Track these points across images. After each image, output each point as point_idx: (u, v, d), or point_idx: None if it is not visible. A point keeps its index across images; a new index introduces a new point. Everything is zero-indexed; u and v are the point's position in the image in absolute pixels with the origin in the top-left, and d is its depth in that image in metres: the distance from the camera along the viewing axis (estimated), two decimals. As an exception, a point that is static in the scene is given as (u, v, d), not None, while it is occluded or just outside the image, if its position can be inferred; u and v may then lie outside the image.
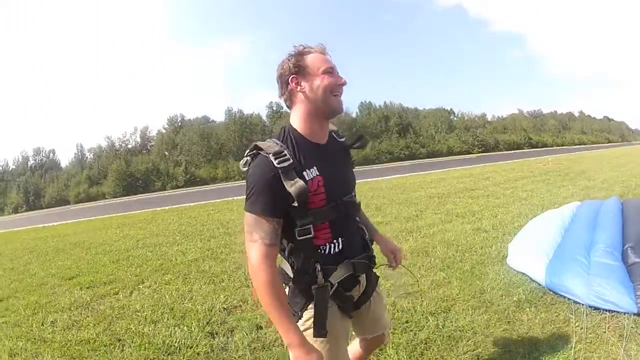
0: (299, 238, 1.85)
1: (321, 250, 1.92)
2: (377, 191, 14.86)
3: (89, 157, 70.70)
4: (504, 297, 4.39)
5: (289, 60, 1.92)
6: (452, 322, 3.92)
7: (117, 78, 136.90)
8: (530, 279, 4.74)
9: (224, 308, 4.81)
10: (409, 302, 4.37)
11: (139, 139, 71.09)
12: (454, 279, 5.00)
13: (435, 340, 3.62)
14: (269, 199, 1.76)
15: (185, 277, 6.30)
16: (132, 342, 4.22)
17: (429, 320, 3.96)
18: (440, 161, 43.16)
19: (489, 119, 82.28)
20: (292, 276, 1.95)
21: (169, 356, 3.86)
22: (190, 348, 3.92)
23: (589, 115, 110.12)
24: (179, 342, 4.05)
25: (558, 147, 67.56)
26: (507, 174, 18.01)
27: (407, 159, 57.26)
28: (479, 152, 62.40)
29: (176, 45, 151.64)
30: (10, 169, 73.90)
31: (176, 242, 9.32)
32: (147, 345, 4.10)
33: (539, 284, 4.57)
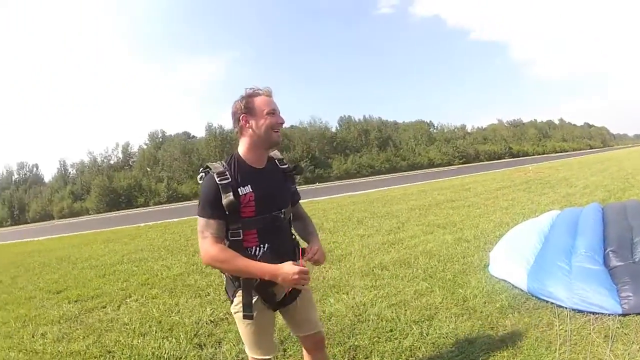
0: (230, 239, 2.36)
1: (249, 251, 2.37)
2: (359, 205, 14.93)
3: (71, 172, 70.18)
4: (486, 304, 4.44)
5: (240, 101, 2.43)
6: (435, 329, 3.96)
7: (98, 94, 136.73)
8: (513, 285, 4.79)
9: (211, 320, 4.82)
10: (392, 312, 4.43)
11: (120, 155, 70.83)
12: (436, 288, 5.04)
13: (419, 348, 3.67)
14: (213, 207, 2.29)
15: (172, 291, 6.31)
16: (122, 353, 4.25)
17: (413, 328, 4.01)
18: (421, 174, 43.14)
19: (469, 130, 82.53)
20: None
21: (158, 367, 3.87)
22: (179, 359, 3.96)
23: (569, 123, 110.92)
24: (167, 353, 4.08)
25: (539, 156, 67.77)
26: (488, 184, 18.18)
27: (387, 172, 57.28)
28: (459, 164, 62.58)
29: (156, 62, 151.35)
30: (-5, 182, 73.16)
31: (161, 257, 9.31)
32: (136, 356, 4.13)
33: (522, 290, 4.62)
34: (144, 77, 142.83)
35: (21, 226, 53.47)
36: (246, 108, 2.40)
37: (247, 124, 2.41)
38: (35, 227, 43.73)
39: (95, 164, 67.68)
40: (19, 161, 76.10)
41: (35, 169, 74.48)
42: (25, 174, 73.31)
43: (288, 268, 2.25)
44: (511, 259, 5.21)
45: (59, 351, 4.55)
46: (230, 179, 2.31)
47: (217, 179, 2.29)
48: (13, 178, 72.62)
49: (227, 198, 2.26)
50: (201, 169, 2.44)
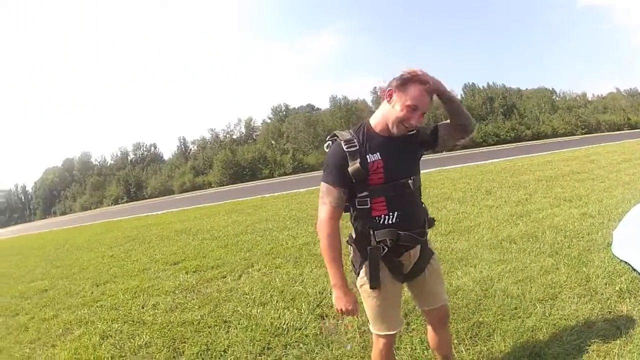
0: (358, 207, 2.39)
1: (377, 220, 2.39)
2: (487, 174, 14.51)
3: (192, 148, 73.28)
4: (607, 285, 4.26)
5: (400, 77, 2.32)
6: (558, 310, 3.85)
7: (215, 74, 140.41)
8: (633, 268, 4.58)
9: (336, 291, 4.88)
10: (518, 288, 4.34)
11: (243, 130, 72.94)
12: (562, 265, 4.87)
13: (541, 329, 3.59)
14: (338, 173, 2.33)
15: (296, 260, 6.41)
16: (239, 323, 4.40)
17: (537, 307, 3.92)
18: (545, 143, 41.46)
19: (590, 98, 77.90)
20: (354, 237, 2.49)
21: (276, 337, 3.99)
22: (299, 330, 4.04)
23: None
24: (287, 324, 4.18)
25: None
26: (610, 156, 16.98)
27: (513, 141, 55.41)
28: (582, 133, 59.50)
29: (273, 37, 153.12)
30: (109, 164, 78.02)
31: (287, 227, 9.45)
32: (254, 326, 4.25)
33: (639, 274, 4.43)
34: (262, 54, 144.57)
35: (138, 202, 56.25)
36: (399, 86, 2.31)
37: (389, 99, 2.36)
38: (154, 202, 45.72)
39: (217, 140, 70.04)
40: (135, 142, 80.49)
41: (153, 148, 78.47)
42: (143, 154, 77.29)
43: (348, 299, 2.37)
44: (630, 240, 4.98)
45: (169, 321, 4.76)
46: (358, 146, 2.33)
47: (344, 146, 2.32)
48: (129, 158, 76.92)
49: (354, 165, 2.28)
50: (328, 137, 2.49)
